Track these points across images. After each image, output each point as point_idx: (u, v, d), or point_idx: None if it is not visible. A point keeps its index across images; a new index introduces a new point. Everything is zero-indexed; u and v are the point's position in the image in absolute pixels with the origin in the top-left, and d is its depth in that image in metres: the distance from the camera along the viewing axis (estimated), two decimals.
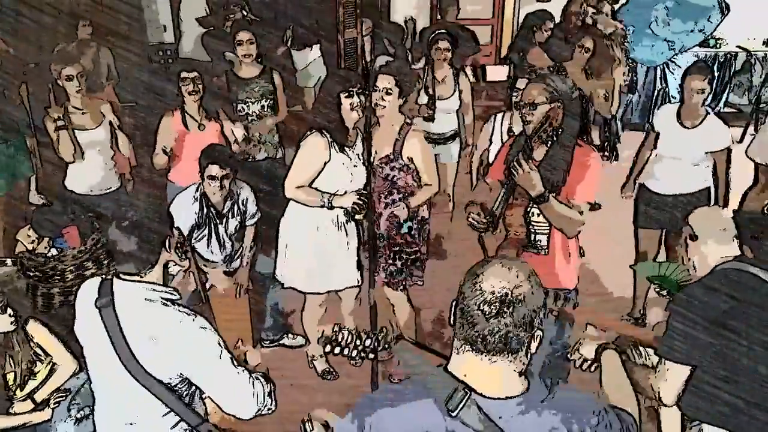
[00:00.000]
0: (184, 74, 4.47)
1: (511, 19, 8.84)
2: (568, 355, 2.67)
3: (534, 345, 1.60)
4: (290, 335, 4.56)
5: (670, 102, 7.51)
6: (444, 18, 7.23)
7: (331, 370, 4.22)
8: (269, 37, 6.19)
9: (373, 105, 3.53)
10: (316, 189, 3.68)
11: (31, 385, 3.19)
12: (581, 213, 2.99)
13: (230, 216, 4.05)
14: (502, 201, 3.01)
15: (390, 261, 3.91)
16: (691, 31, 5.39)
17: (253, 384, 2.21)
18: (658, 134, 4.43)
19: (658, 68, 7.55)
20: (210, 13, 7.19)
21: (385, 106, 3.71)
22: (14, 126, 5.20)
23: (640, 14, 5.53)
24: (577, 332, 3.30)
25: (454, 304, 1.62)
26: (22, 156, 5.26)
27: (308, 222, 3.80)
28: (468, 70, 6.81)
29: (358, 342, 2.08)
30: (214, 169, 3.83)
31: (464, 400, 1.54)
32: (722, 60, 8.10)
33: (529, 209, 3.05)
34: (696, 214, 2.65)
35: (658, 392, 2.42)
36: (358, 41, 6.29)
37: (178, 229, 2.36)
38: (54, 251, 3.72)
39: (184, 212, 3.81)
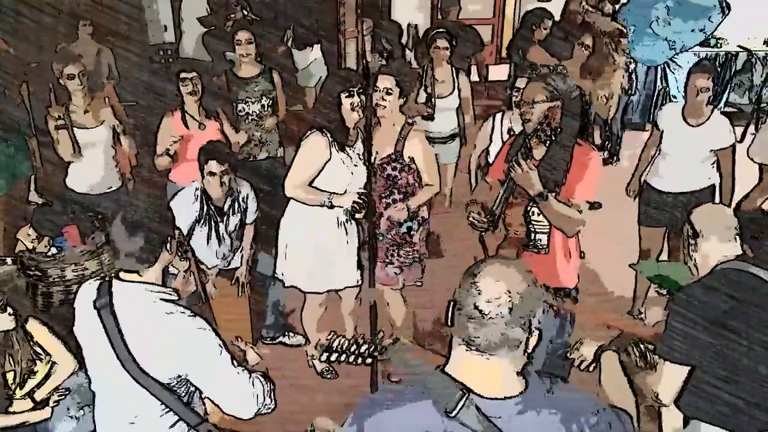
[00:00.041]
0: (183, 75, 4.47)
1: (511, 18, 8.84)
2: (568, 354, 2.67)
3: (532, 344, 1.60)
4: (290, 334, 4.56)
5: (670, 101, 7.52)
6: (445, 18, 7.23)
7: (331, 369, 4.23)
8: (269, 37, 6.19)
9: (374, 105, 3.53)
10: (316, 188, 3.68)
11: (31, 383, 3.20)
12: (580, 212, 2.98)
13: (231, 213, 4.05)
14: (502, 200, 3.01)
15: (387, 260, 3.90)
16: (692, 30, 5.37)
17: (252, 384, 2.20)
18: (662, 133, 4.44)
19: (659, 68, 7.54)
20: (211, 13, 7.18)
21: (385, 107, 3.71)
22: (14, 126, 5.20)
23: (641, 14, 5.51)
24: (578, 331, 3.32)
25: (451, 304, 1.62)
26: (23, 156, 5.26)
27: (308, 221, 3.79)
28: (473, 69, 6.81)
29: (354, 348, 2.07)
30: (213, 165, 3.84)
31: (462, 401, 1.53)
32: (723, 60, 8.10)
33: (529, 208, 3.05)
34: (698, 211, 2.62)
35: (656, 392, 2.42)
36: (358, 41, 6.29)
37: (178, 229, 2.36)
38: (54, 250, 3.73)
39: (184, 210, 3.82)
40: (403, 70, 4.23)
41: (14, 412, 3.16)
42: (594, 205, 4.66)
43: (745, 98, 8.26)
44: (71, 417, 3.00)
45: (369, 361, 2.10)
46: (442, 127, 5.26)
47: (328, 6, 6.64)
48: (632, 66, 6.80)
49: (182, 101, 4.53)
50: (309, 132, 3.71)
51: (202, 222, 3.97)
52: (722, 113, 4.64)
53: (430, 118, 5.14)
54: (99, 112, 4.50)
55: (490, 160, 4.56)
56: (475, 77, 7.03)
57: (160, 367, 2.16)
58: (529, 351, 1.61)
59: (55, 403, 3.10)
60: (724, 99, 8.06)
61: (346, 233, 3.87)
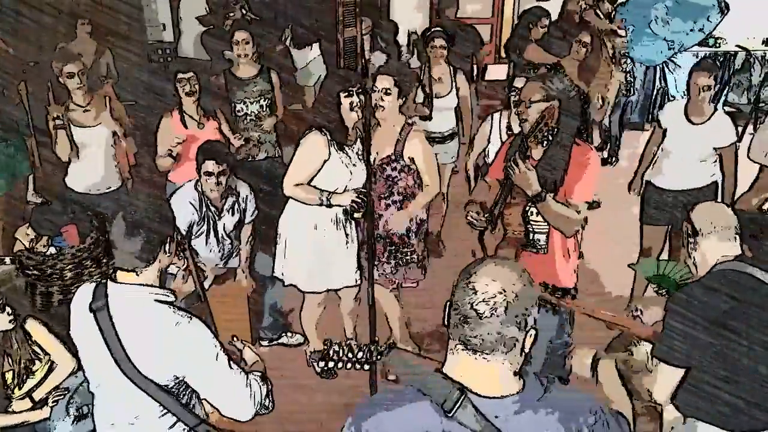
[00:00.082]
0: (180, 75, 4.47)
1: (510, 18, 8.83)
2: (566, 357, 2.67)
3: (528, 344, 1.60)
4: (289, 334, 4.56)
5: (669, 101, 7.52)
6: (442, 17, 7.23)
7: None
8: (269, 37, 6.19)
9: (373, 105, 3.53)
10: (315, 187, 3.68)
11: (30, 383, 3.20)
12: (579, 212, 2.98)
13: (230, 213, 4.05)
14: (501, 200, 3.01)
15: (384, 260, 3.90)
16: (691, 30, 5.37)
17: (249, 386, 2.20)
18: (665, 131, 4.46)
19: (658, 68, 7.55)
20: (210, 12, 7.17)
21: (384, 107, 3.71)
22: (14, 126, 5.20)
23: (640, 13, 5.51)
24: (578, 331, 3.32)
25: (448, 304, 1.63)
26: (22, 156, 5.26)
27: (307, 220, 3.79)
28: (473, 68, 6.80)
29: (350, 355, 2.06)
30: (210, 165, 3.84)
31: (460, 401, 1.54)
32: (722, 59, 8.09)
33: (527, 208, 3.04)
34: (699, 209, 2.61)
35: (651, 391, 2.42)
36: (357, 40, 6.29)
37: (177, 229, 2.36)
38: (53, 250, 3.72)
39: (182, 209, 3.81)
40: (402, 70, 4.23)
41: (13, 412, 3.16)
42: (593, 205, 4.68)
43: (744, 98, 8.26)
44: (70, 417, 2.99)
45: (366, 367, 2.09)
46: (440, 127, 5.26)
47: (327, 6, 6.64)
48: (630, 66, 6.81)
49: (180, 101, 4.53)
50: (308, 131, 3.71)
51: (200, 221, 3.97)
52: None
53: (428, 117, 5.14)
54: (99, 110, 4.50)
55: (489, 160, 4.56)
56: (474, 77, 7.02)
57: (157, 369, 2.16)
58: (526, 351, 1.61)
59: (54, 403, 3.10)
60: (722, 99, 8.06)
61: (346, 233, 3.87)
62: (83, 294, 2.27)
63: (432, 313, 4.37)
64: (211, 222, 4.01)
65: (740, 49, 8.13)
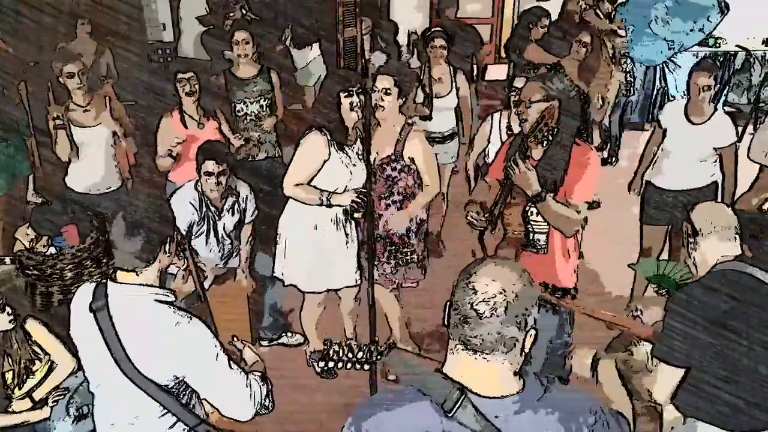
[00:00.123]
0: (179, 75, 4.47)
1: (510, 17, 8.82)
2: (567, 357, 2.67)
3: (528, 343, 1.61)
4: (289, 333, 4.55)
5: (669, 101, 7.52)
6: (441, 17, 7.22)
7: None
8: (269, 37, 6.18)
9: (373, 105, 3.53)
10: (315, 187, 3.68)
11: (30, 383, 3.20)
12: (579, 212, 2.98)
13: (230, 213, 4.05)
14: (501, 200, 3.00)
15: (384, 260, 3.90)
16: (691, 30, 5.37)
17: (249, 386, 2.20)
18: (665, 131, 4.46)
19: (658, 68, 7.55)
20: (210, 12, 7.17)
21: (384, 107, 3.71)
22: (14, 125, 5.20)
23: (640, 13, 5.51)
24: (578, 331, 3.32)
25: (448, 304, 1.63)
26: (22, 156, 5.26)
27: (307, 220, 3.79)
28: (473, 68, 6.80)
29: (350, 355, 2.06)
30: (210, 165, 3.84)
31: (460, 401, 1.54)
32: (721, 59, 8.10)
33: (527, 208, 3.04)
34: (699, 209, 2.60)
35: (651, 391, 2.42)
36: (357, 40, 6.29)
37: (177, 229, 2.36)
38: (53, 250, 3.72)
39: (182, 209, 3.81)
40: (402, 70, 4.23)
41: (13, 412, 3.16)
42: (593, 205, 4.67)
43: (744, 98, 8.26)
44: (70, 417, 2.99)
45: (366, 367, 2.09)
46: (440, 127, 5.26)
47: (327, 6, 6.64)
48: (630, 66, 6.81)
49: (180, 101, 4.53)
50: (308, 131, 3.71)
51: (199, 221, 3.97)
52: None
53: (428, 117, 5.14)
54: (99, 110, 4.49)
55: (489, 160, 4.56)
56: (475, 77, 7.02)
57: (157, 369, 2.15)
58: (526, 351, 1.61)
59: (54, 403, 3.10)
60: (722, 99, 8.06)
61: (345, 233, 3.87)
62: (83, 294, 2.27)
63: (432, 313, 4.37)
64: (211, 222, 4.01)
65: (740, 49, 8.13)
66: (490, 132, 4.73)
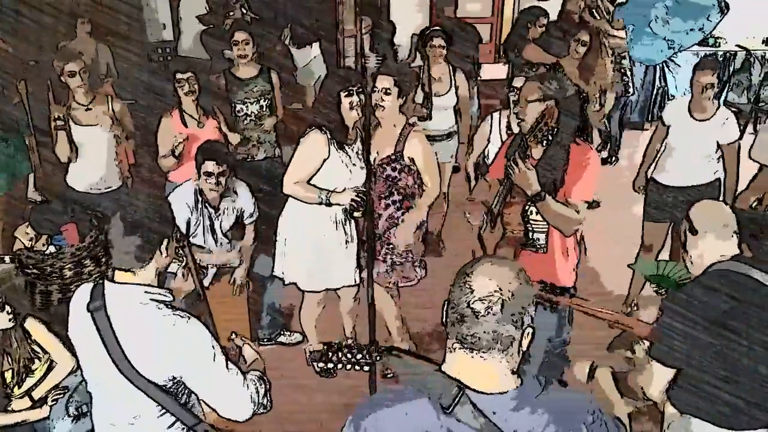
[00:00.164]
0: (179, 75, 4.47)
1: (510, 17, 8.82)
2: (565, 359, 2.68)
3: (525, 342, 1.61)
4: (288, 332, 4.55)
5: (669, 101, 7.53)
6: (440, 16, 7.23)
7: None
8: (269, 37, 6.18)
9: (373, 105, 3.53)
10: (314, 186, 3.68)
11: (29, 382, 3.20)
12: (578, 212, 2.98)
13: (227, 213, 4.05)
14: (500, 199, 3.01)
15: (381, 259, 3.90)
16: (691, 29, 5.36)
17: (247, 387, 2.20)
18: (668, 128, 4.47)
19: (658, 67, 7.55)
20: (210, 11, 7.17)
21: (384, 107, 3.71)
22: (14, 125, 5.20)
23: (640, 13, 5.51)
24: (577, 331, 3.32)
25: (446, 303, 1.63)
26: (22, 155, 5.26)
27: (307, 219, 3.79)
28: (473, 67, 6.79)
29: (349, 356, 2.07)
30: (209, 166, 3.84)
31: (458, 397, 1.54)
32: (721, 59, 8.09)
33: (527, 208, 3.04)
34: (697, 207, 2.59)
35: (645, 389, 2.42)
36: (357, 40, 6.28)
37: (177, 228, 2.36)
38: (52, 248, 3.72)
39: (179, 208, 3.81)
40: (402, 70, 4.23)
41: (12, 411, 3.16)
42: (592, 204, 4.67)
43: (744, 98, 8.26)
44: (69, 416, 3.00)
45: (366, 368, 2.09)
46: (440, 126, 5.26)
47: (327, 5, 6.63)
48: (630, 65, 6.81)
49: (180, 101, 4.53)
50: (308, 130, 3.71)
51: (197, 220, 3.97)
52: None
53: (427, 117, 5.14)
54: (101, 109, 4.49)
55: (489, 159, 4.56)
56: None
57: (154, 369, 2.15)
58: (524, 349, 1.62)
59: (53, 402, 3.10)
60: (722, 98, 8.06)
61: (345, 233, 3.87)
62: (82, 294, 2.27)
63: (431, 313, 4.36)
64: (209, 221, 4.01)
65: (740, 49, 8.13)
66: (490, 131, 4.73)
